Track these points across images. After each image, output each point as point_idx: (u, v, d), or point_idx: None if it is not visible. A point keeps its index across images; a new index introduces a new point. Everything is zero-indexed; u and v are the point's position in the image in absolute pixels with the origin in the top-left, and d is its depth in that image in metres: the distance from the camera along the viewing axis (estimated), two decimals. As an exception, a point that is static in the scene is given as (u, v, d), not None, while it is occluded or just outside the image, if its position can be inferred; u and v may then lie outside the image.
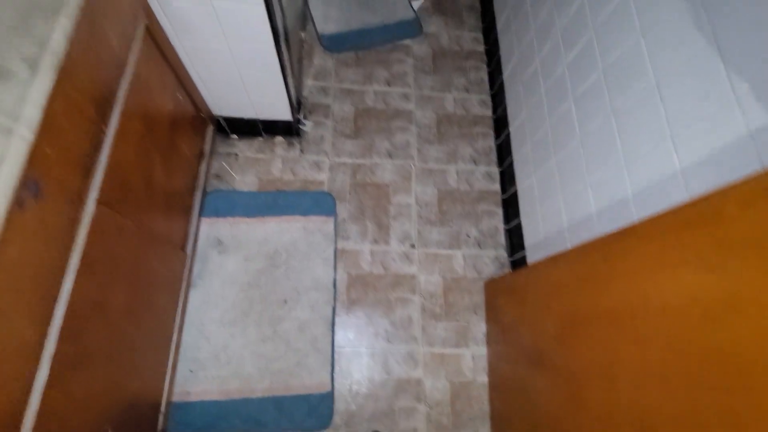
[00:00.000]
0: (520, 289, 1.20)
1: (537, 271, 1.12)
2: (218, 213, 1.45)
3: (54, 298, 0.66)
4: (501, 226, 1.57)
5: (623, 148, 0.93)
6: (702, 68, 0.72)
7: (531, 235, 1.37)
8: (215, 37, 1.07)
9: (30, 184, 0.55)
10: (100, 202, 0.76)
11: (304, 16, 1.78)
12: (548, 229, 1.25)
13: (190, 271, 1.33)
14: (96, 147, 0.74)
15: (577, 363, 0.87)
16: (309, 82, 1.70)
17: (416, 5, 1.90)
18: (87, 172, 0.72)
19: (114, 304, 0.87)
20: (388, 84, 1.74)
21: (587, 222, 1.05)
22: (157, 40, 1.01)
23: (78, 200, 0.70)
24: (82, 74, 0.66)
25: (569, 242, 1.13)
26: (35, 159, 0.55)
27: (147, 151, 0.99)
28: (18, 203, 0.53)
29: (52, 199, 0.61)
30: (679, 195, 0.76)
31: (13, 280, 0.55)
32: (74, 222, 0.70)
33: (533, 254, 1.35)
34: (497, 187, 1.62)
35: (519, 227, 1.45)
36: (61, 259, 0.67)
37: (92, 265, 0.75)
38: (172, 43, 1.09)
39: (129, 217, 0.91)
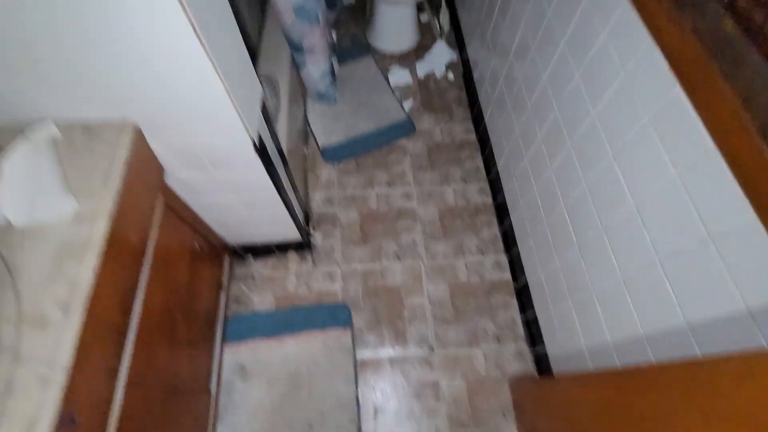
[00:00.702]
0: (545, 399, 1.17)
1: (560, 386, 1.10)
2: (239, 337, 1.51)
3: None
4: (518, 317, 1.56)
5: (621, 271, 0.94)
6: (675, 201, 0.75)
7: (550, 338, 1.35)
8: (222, 195, 1.18)
9: (66, 420, 0.61)
10: (128, 390, 0.81)
11: (305, 133, 1.93)
12: (566, 341, 1.23)
13: (216, 406, 1.36)
14: (121, 349, 0.81)
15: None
16: (315, 195, 1.81)
17: (407, 106, 2.03)
18: (114, 374, 0.78)
19: (145, 478, 0.90)
20: (389, 185, 1.83)
21: (603, 346, 1.04)
22: (173, 208, 1.11)
23: (108, 403, 0.76)
24: (107, 295, 0.74)
25: (589, 360, 1.11)
26: (70, 396, 0.61)
27: (170, 313, 1.07)
28: (55, 445, 0.58)
29: (86, 420, 0.66)
30: (681, 341, 0.76)
31: None
32: (106, 420, 0.75)
33: (556, 359, 1.33)
34: (508, 275, 1.63)
35: (536, 318, 1.44)
36: (95, 464, 0.72)
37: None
38: (185, 202, 1.20)
39: (154, 385, 0.96)
